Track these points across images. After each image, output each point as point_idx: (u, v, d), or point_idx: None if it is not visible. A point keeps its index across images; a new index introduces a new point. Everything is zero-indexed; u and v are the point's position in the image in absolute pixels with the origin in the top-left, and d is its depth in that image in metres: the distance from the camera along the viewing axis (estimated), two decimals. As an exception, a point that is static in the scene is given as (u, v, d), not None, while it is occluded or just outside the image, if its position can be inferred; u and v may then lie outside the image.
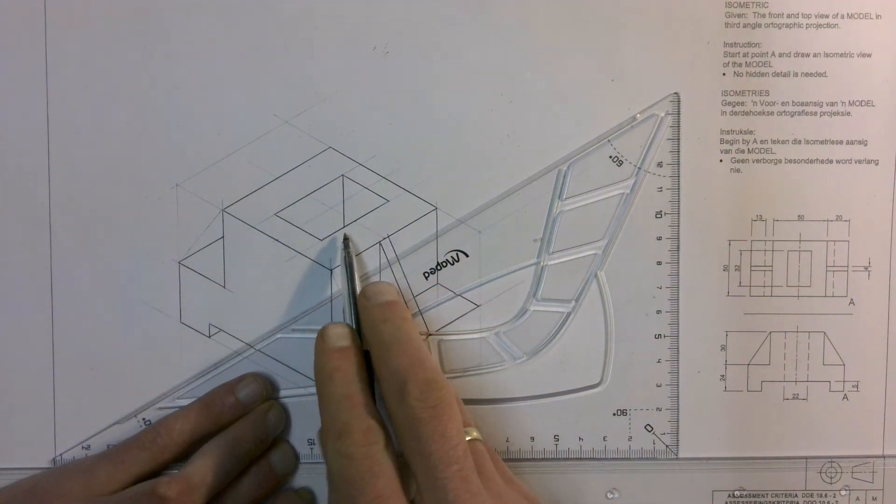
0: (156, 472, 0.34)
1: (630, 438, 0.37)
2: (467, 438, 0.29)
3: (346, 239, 0.35)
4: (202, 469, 0.33)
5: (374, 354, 0.31)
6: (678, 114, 0.36)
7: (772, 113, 0.36)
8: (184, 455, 0.35)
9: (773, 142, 0.36)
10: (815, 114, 0.36)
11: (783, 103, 0.36)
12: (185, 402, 0.36)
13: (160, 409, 0.36)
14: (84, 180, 0.36)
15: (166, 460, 0.34)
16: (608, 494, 0.37)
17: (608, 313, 0.37)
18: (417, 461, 0.28)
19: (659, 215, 0.36)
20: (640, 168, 0.36)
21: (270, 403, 0.36)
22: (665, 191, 0.36)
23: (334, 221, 0.36)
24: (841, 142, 0.36)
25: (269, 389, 0.36)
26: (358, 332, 0.33)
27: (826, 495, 0.37)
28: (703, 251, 0.37)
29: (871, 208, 0.37)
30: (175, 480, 0.32)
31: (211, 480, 0.33)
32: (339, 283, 0.36)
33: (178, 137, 0.36)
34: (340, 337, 0.32)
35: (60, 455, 0.36)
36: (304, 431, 0.36)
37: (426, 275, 0.36)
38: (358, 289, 0.34)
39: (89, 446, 0.36)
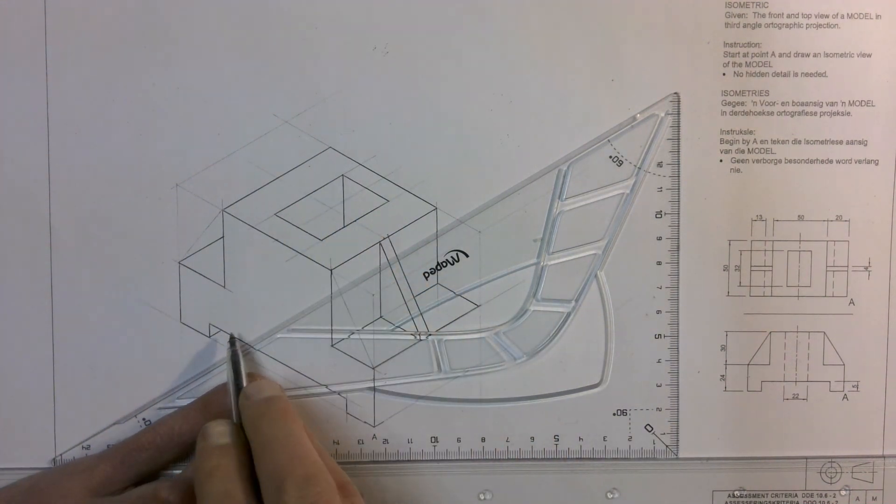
0: (156, 473, 0.34)
1: (630, 438, 0.37)
2: None
3: (232, 338, 0.35)
4: None
5: (254, 453, 0.30)
6: (678, 114, 0.36)
7: (772, 113, 0.36)
8: (184, 455, 0.35)
9: (773, 142, 0.36)
10: (815, 114, 0.36)
11: (783, 103, 0.36)
12: (185, 402, 0.36)
13: (160, 409, 0.36)
14: (84, 180, 0.36)
15: (166, 461, 0.34)
16: (608, 494, 0.37)
17: (608, 313, 0.37)
18: None
19: (659, 215, 0.36)
20: (640, 168, 0.36)
21: None
22: (665, 191, 0.36)
23: (334, 221, 0.36)
24: (841, 142, 0.36)
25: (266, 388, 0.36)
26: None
27: (826, 495, 0.37)
28: (703, 251, 0.37)
29: (871, 208, 0.37)
30: (177, 484, 0.32)
31: None
32: (339, 283, 0.36)
33: (178, 137, 0.36)
34: (221, 435, 0.31)
35: (60, 455, 0.36)
36: (304, 431, 0.36)
37: (426, 275, 0.36)
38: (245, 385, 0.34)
39: (89, 446, 0.36)
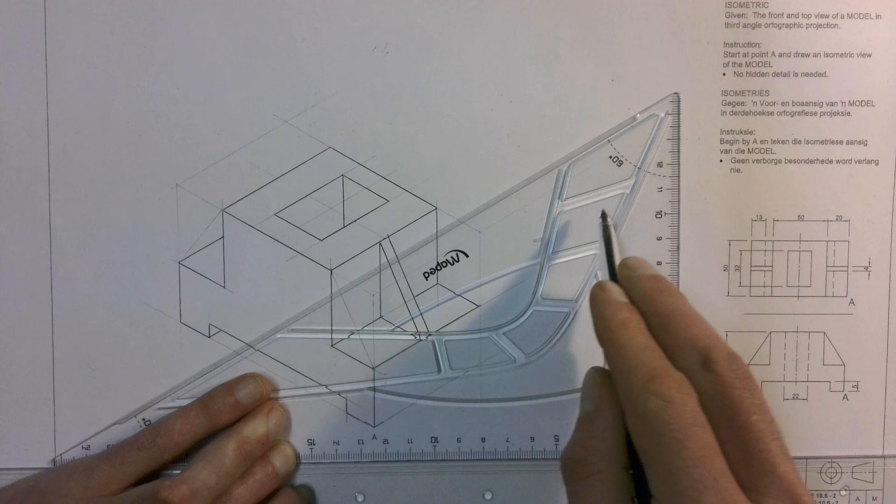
0: (155, 473, 0.34)
1: (630, 438, 0.37)
2: None
3: (603, 213, 0.35)
4: (203, 471, 0.33)
5: (656, 322, 0.29)
6: (678, 114, 0.36)
7: (772, 113, 0.36)
8: (183, 455, 0.35)
9: (773, 142, 0.36)
10: (815, 114, 0.36)
11: (783, 103, 0.36)
12: (184, 402, 0.36)
13: (160, 409, 0.36)
14: (84, 180, 0.36)
15: (166, 461, 0.34)
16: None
17: (608, 313, 0.37)
18: (732, 432, 0.26)
19: (659, 215, 0.36)
20: (640, 168, 0.36)
21: (272, 404, 0.36)
22: (665, 191, 0.36)
23: (334, 221, 0.36)
24: (841, 142, 0.36)
25: (268, 389, 0.36)
26: None
27: (826, 495, 0.37)
28: (703, 251, 0.37)
29: (871, 208, 0.37)
30: (177, 483, 0.32)
31: (213, 482, 0.33)
32: (339, 283, 0.36)
33: (178, 137, 0.36)
34: (620, 294, 0.30)
35: (60, 455, 0.36)
36: (304, 431, 0.36)
37: (426, 275, 0.36)
38: (617, 261, 0.32)
39: (89, 446, 0.36)
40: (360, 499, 0.37)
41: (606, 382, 0.29)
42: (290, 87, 0.36)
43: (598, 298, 0.30)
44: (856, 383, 0.37)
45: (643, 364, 0.27)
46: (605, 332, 0.29)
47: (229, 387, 0.35)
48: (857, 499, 0.37)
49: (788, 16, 0.36)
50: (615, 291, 0.30)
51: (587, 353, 0.37)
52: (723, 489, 0.24)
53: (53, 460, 0.36)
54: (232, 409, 0.35)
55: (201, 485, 0.32)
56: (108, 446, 0.36)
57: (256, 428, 0.35)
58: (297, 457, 0.36)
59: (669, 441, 0.25)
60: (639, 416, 0.26)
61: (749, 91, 0.36)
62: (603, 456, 0.28)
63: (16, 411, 0.36)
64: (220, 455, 0.33)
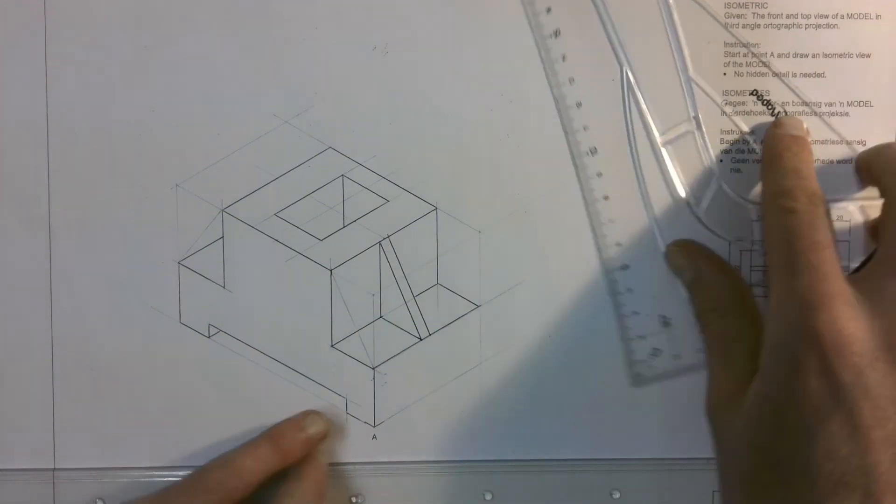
0: None
1: (630, 438, 0.37)
2: None
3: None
4: None
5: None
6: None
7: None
8: (250, 494, 0.34)
9: (773, 142, 0.36)
10: (815, 114, 0.36)
11: (783, 103, 0.36)
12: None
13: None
14: (84, 180, 0.36)
15: (232, 501, 0.33)
16: (612, 493, 0.37)
17: (608, 313, 0.37)
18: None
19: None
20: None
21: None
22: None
23: (334, 221, 0.36)
24: (840, 142, 0.36)
25: (330, 425, 0.36)
26: None
27: (826, 495, 0.37)
28: (702, 251, 0.36)
29: (871, 208, 0.37)
30: None
31: None
32: (339, 283, 0.36)
33: (178, 137, 0.36)
34: (795, 128, 0.34)
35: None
36: (304, 431, 0.36)
37: (426, 275, 0.36)
38: None
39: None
40: (359, 500, 0.37)
41: (692, 250, 0.34)
42: (290, 87, 0.36)
43: (771, 130, 0.34)
44: (855, 383, 0.37)
45: (781, 184, 0.31)
46: (765, 156, 0.33)
47: (297, 423, 0.35)
48: (857, 499, 0.37)
49: (788, 16, 0.36)
50: (789, 124, 0.34)
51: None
52: (828, 273, 0.28)
53: (53, 469, 0.36)
54: (303, 444, 0.35)
55: None
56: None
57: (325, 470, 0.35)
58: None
59: (782, 244, 0.29)
60: (767, 229, 0.31)
61: (749, 91, 0.36)
62: (725, 297, 0.33)
63: (15, 411, 0.36)
64: (301, 493, 0.33)
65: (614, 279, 0.36)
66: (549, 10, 0.35)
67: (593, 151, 0.36)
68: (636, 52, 0.35)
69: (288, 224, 0.36)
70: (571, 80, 0.35)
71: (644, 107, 0.35)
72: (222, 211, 0.36)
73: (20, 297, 0.36)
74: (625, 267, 0.36)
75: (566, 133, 0.36)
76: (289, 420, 0.35)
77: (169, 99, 0.36)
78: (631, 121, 0.36)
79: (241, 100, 0.36)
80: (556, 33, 0.35)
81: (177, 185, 0.36)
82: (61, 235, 0.36)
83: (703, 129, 0.36)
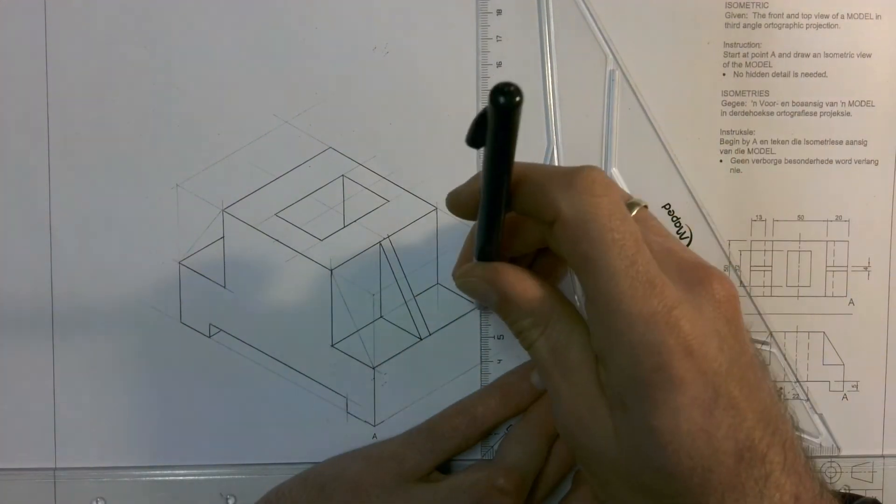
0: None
1: (630, 438, 0.37)
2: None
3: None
4: (524, 458, 0.34)
5: None
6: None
7: (772, 113, 0.36)
8: (483, 439, 0.36)
9: (773, 142, 0.36)
10: (815, 114, 0.36)
11: (783, 103, 0.36)
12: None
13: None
14: (84, 180, 0.36)
15: (469, 446, 0.35)
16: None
17: (608, 313, 0.37)
18: None
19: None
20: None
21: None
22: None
23: (334, 221, 0.36)
24: (841, 142, 0.36)
25: None
26: None
27: (826, 495, 0.37)
28: (702, 251, 0.36)
29: (871, 208, 0.37)
30: (510, 473, 0.33)
31: (533, 467, 0.34)
32: (339, 283, 0.36)
33: (178, 137, 0.36)
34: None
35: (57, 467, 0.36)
36: (303, 431, 0.36)
37: (426, 275, 0.36)
38: None
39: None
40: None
41: (488, 270, 0.29)
42: (290, 87, 0.36)
43: None
44: (855, 383, 0.37)
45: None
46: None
47: (522, 373, 0.36)
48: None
49: (788, 16, 0.36)
50: None
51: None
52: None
53: (54, 469, 0.36)
54: (530, 393, 0.35)
55: (527, 471, 0.34)
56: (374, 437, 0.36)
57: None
58: None
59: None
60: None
61: (749, 91, 0.36)
62: (545, 308, 0.28)
63: (16, 411, 0.36)
64: (530, 440, 0.34)
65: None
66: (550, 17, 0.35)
67: (593, 151, 0.36)
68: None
69: (288, 224, 0.36)
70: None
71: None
72: (223, 211, 0.36)
73: (20, 296, 0.36)
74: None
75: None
76: (512, 371, 0.36)
77: (169, 99, 0.36)
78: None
79: (241, 100, 0.36)
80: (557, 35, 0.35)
81: (177, 185, 0.36)
82: (61, 235, 0.36)
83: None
